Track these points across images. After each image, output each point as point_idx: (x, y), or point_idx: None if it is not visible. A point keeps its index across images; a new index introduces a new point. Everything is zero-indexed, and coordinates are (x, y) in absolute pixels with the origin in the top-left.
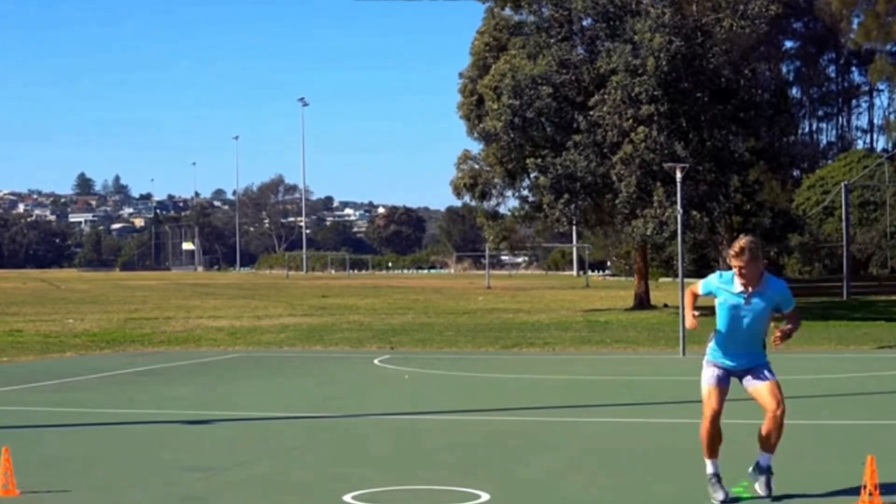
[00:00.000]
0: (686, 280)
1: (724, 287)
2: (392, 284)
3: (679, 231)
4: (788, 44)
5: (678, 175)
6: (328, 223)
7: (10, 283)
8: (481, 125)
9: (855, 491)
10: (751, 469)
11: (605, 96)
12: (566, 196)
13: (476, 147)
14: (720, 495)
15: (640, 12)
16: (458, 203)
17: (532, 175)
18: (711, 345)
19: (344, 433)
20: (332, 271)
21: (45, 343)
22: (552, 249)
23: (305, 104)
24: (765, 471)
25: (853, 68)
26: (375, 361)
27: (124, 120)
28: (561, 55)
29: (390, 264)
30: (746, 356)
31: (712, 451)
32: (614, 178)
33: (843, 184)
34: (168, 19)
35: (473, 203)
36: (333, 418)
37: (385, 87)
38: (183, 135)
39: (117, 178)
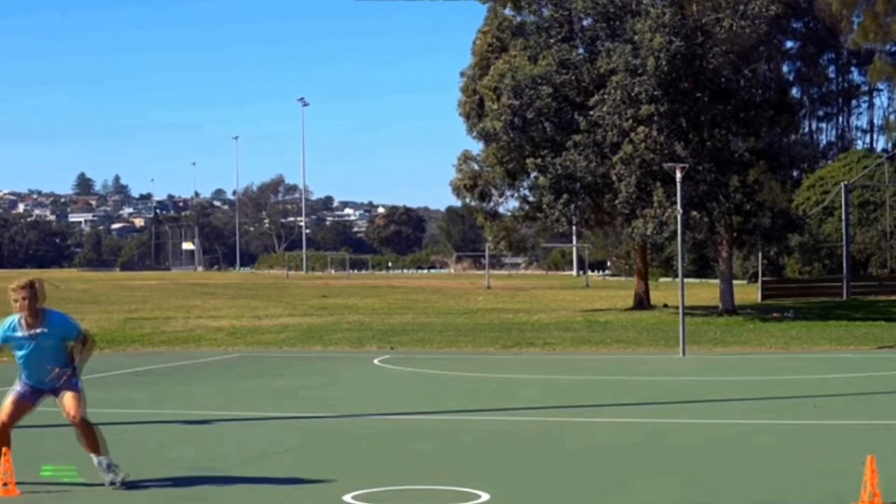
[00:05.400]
0: (686, 280)
1: (11, 333)
2: (392, 284)
3: (679, 231)
4: (788, 44)
5: (678, 175)
6: (328, 223)
7: (9, 284)
8: (481, 125)
9: (855, 491)
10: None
11: (605, 96)
12: (566, 196)
13: (476, 147)
14: None
15: (640, 12)
16: (458, 203)
17: (532, 175)
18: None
19: (344, 433)
20: (332, 271)
21: None
22: (552, 249)
23: (305, 104)
24: (105, 467)
25: (853, 68)
26: (375, 361)
27: (124, 120)
28: (561, 55)
29: (390, 264)
30: (52, 381)
31: None
32: (614, 178)
33: (842, 184)
34: (167, 19)
35: (473, 203)
36: (333, 418)
37: (385, 87)
38: (183, 135)
39: (117, 178)
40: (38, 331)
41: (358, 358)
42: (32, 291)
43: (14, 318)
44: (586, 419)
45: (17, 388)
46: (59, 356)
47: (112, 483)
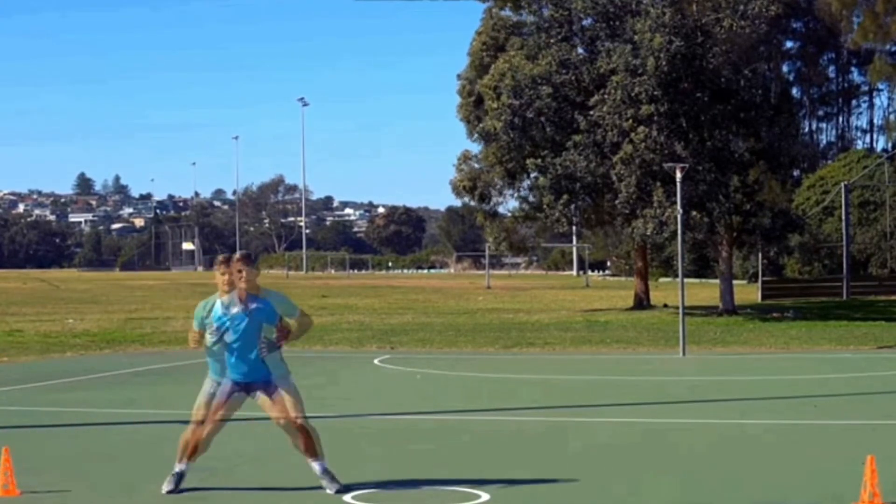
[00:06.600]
0: (686, 280)
1: (217, 313)
2: (392, 284)
3: (679, 231)
4: (788, 44)
5: (678, 175)
6: (328, 223)
7: (10, 283)
8: (481, 125)
9: (855, 491)
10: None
11: (605, 96)
12: (566, 196)
13: (476, 147)
14: (167, 486)
15: (640, 12)
16: (458, 203)
17: (532, 175)
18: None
19: (344, 433)
20: (332, 271)
21: (45, 343)
22: (552, 249)
23: (305, 104)
24: (322, 472)
25: (853, 68)
26: (375, 361)
27: (124, 120)
28: (561, 55)
29: (390, 264)
30: (248, 368)
31: (186, 455)
32: (614, 178)
33: (842, 184)
34: (167, 19)
35: (473, 203)
36: (333, 418)
37: (385, 87)
38: (183, 135)
39: (117, 178)
40: (253, 306)
41: (358, 358)
42: (249, 262)
43: (215, 300)
44: (586, 419)
45: (223, 384)
46: (260, 339)
47: (337, 491)
